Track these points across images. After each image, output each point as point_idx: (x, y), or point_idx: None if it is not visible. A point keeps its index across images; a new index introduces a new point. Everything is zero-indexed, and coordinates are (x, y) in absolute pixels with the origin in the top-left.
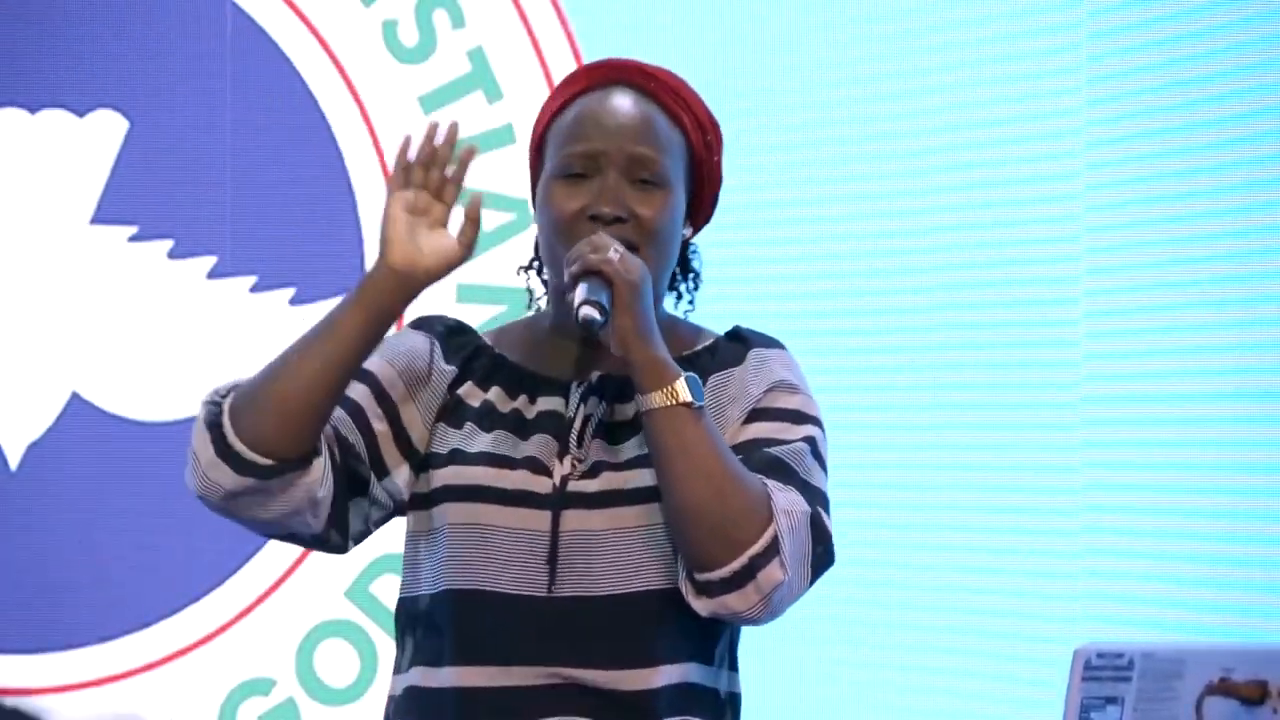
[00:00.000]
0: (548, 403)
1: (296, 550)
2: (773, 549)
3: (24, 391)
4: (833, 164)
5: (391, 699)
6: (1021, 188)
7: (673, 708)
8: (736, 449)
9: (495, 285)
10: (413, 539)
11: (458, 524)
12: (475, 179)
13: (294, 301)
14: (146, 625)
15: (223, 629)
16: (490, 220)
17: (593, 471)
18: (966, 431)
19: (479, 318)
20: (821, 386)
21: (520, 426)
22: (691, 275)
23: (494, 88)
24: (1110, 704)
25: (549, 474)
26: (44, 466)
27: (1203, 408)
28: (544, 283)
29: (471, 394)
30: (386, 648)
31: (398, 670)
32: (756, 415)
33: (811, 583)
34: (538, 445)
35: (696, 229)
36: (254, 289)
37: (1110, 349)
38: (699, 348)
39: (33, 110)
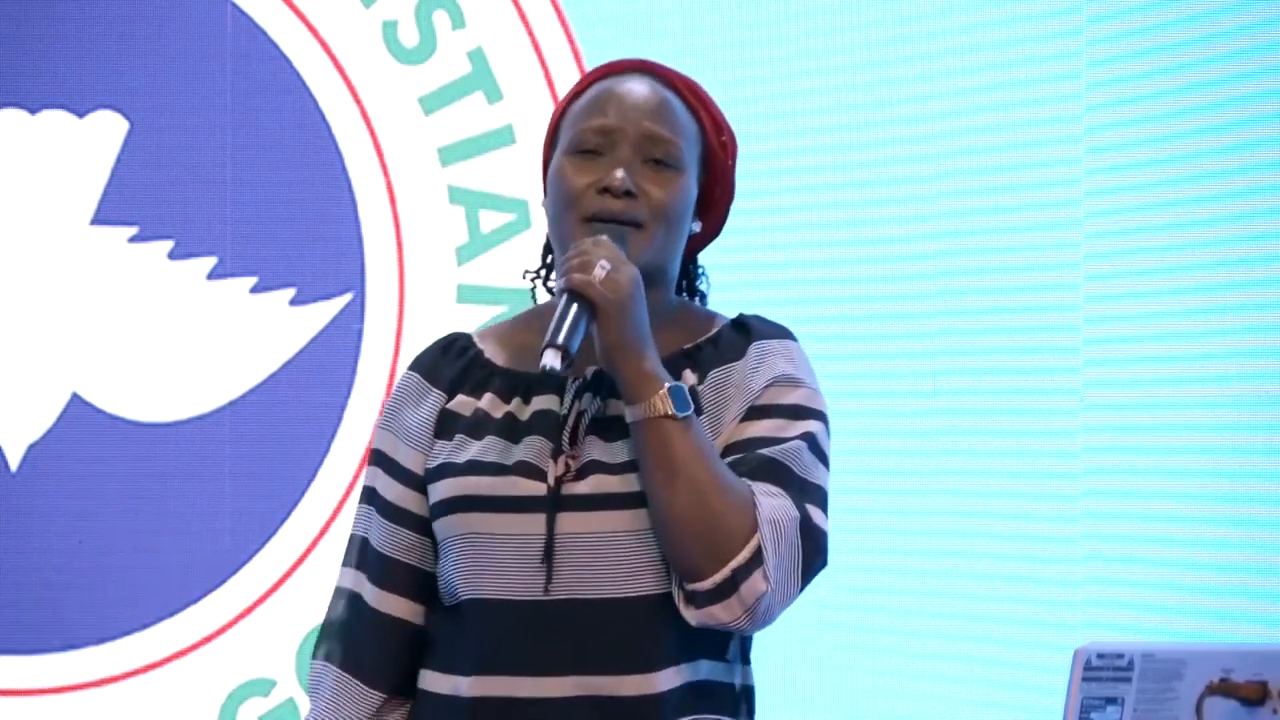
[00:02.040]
0: (542, 401)
1: (297, 551)
2: (755, 560)
3: (24, 392)
4: (833, 164)
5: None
6: (1022, 193)
7: (682, 708)
8: (734, 448)
9: (495, 286)
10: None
11: (454, 536)
12: (475, 179)
13: (294, 302)
14: (146, 626)
15: (223, 629)
16: (490, 220)
17: (586, 471)
18: (966, 434)
19: (479, 318)
20: (821, 388)
21: (513, 430)
22: (698, 296)
23: (494, 88)
24: (1110, 704)
25: (543, 477)
26: (44, 466)
27: (1203, 412)
28: (549, 290)
29: (463, 405)
30: None
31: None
32: (756, 413)
33: (803, 586)
34: (530, 447)
35: (706, 228)
36: (254, 289)
37: (1110, 354)
38: (702, 339)
39: (33, 110)
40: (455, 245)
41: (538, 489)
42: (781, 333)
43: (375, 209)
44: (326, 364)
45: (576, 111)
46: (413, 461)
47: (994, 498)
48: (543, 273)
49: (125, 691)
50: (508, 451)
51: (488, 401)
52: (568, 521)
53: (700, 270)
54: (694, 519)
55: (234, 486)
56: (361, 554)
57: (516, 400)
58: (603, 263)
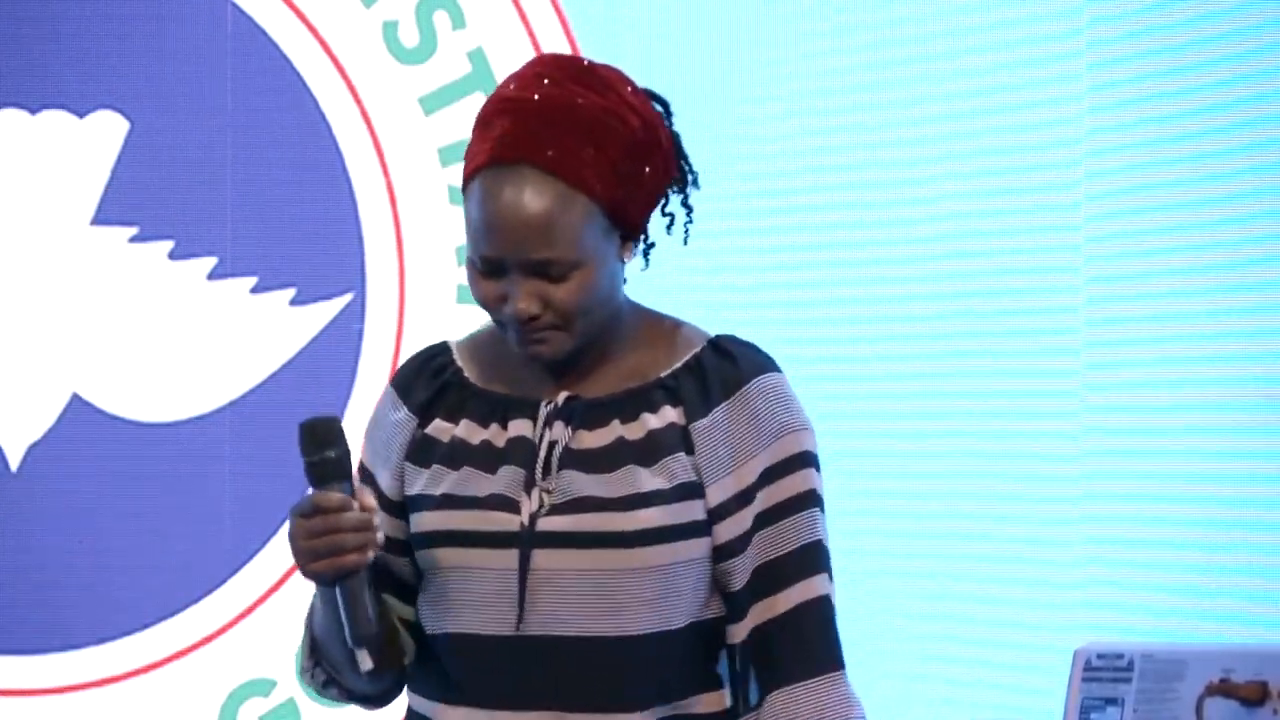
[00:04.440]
0: (518, 427)
1: None
2: None
3: (24, 392)
4: (833, 165)
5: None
6: (1023, 195)
7: None
8: (759, 573)
9: None
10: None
11: (431, 569)
12: None
13: (294, 302)
14: (147, 626)
15: (223, 630)
16: None
17: (564, 509)
18: (967, 436)
19: (479, 319)
20: (820, 390)
21: (489, 459)
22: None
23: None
24: (1110, 705)
25: (517, 510)
26: (44, 467)
27: (1203, 414)
28: None
29: (440, 430)
30: None
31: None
32: (766, 520)
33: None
34: (505, 479)
35: (636, 236)
36: (254, 290)
37: (1111, 357)
38: (678, 365)
39: (33, 111)
40: (455, 245)
41: (511, 523)
42: (767, 364)
43: (375, 209)
44: (326, 364)
45: (469, 219)
46: (386, 483)
47: (994, 499)
48: None
49: (125, 691)
50: (483, 483)
51: (464, 428)
52: (542, 558)
53: (670, 219)
54: None
55: (234, 486)
56: None
57: (494, 426)
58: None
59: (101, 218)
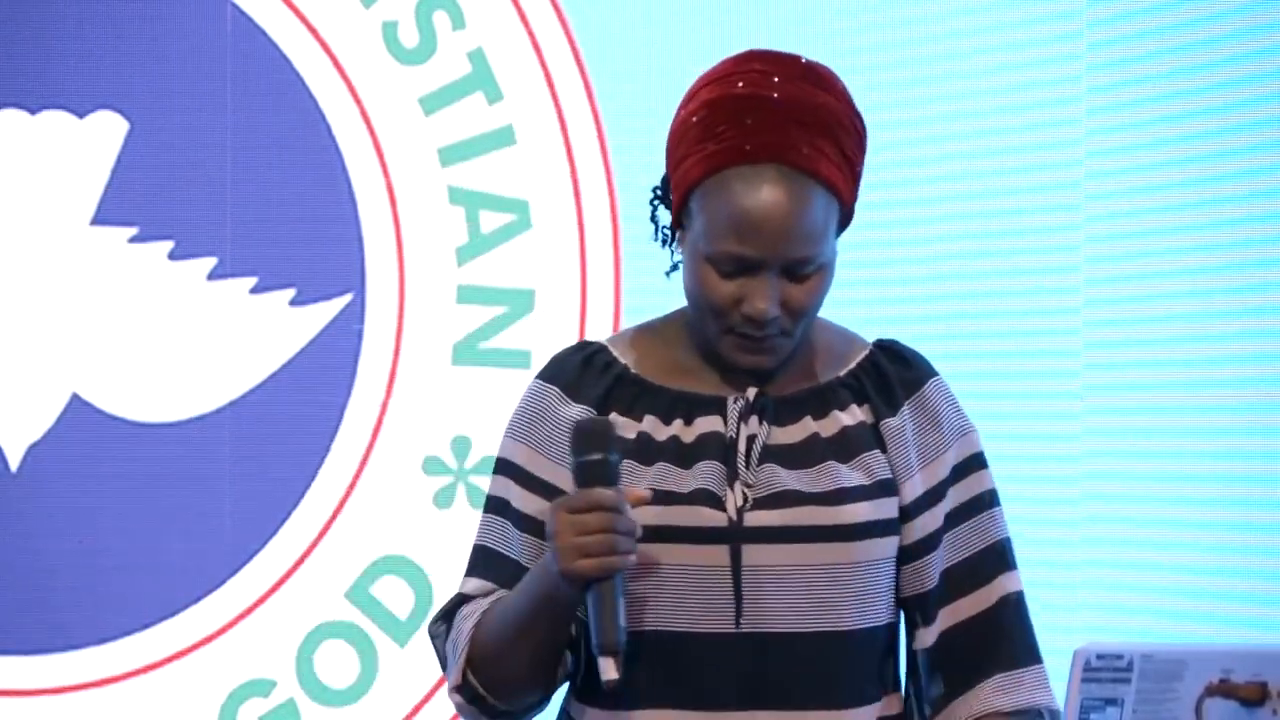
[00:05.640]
0: (706, 423)
1: (297, 551)
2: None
3: (24, 392)
4: None
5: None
6: (1023, 196)
7: None
8: (949, 575)
9: (495, 286)
10: None
11: (635, 567)
12: (475, 180)
13: (294, 302)
14: (146, 626)
15: (223, 630)
16: (490, 221)
17: (771, 503)
18: None
19: (479, 319)
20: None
21: (681, 455)
22: None
23: (494, 89)
24: (1110, 705)
25: (721, 506)
26: (44, 467)
27: (1203, 415)
28: (664, 232)
29: (624, 426)
30: (387, 649)
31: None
32: (956, 519)
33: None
34: (704, 474)
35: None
36: (254, 290)
37: (1111, 358)
38: (852, 366)
39: (33, 111)
40: (455, 245)
41: (718, 519)
42: (933, 369)
43: (375, 209)
44: (326, 364)
45: (712, 216)
46: (555, 476)
47: None
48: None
49: (125, 691)
50: (682, 479)
51: (649, 424)
52: (754, 554)
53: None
54: None
55: (234, 486)
56: (489, 560)
57: (678, 421)
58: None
59: (101, 218)
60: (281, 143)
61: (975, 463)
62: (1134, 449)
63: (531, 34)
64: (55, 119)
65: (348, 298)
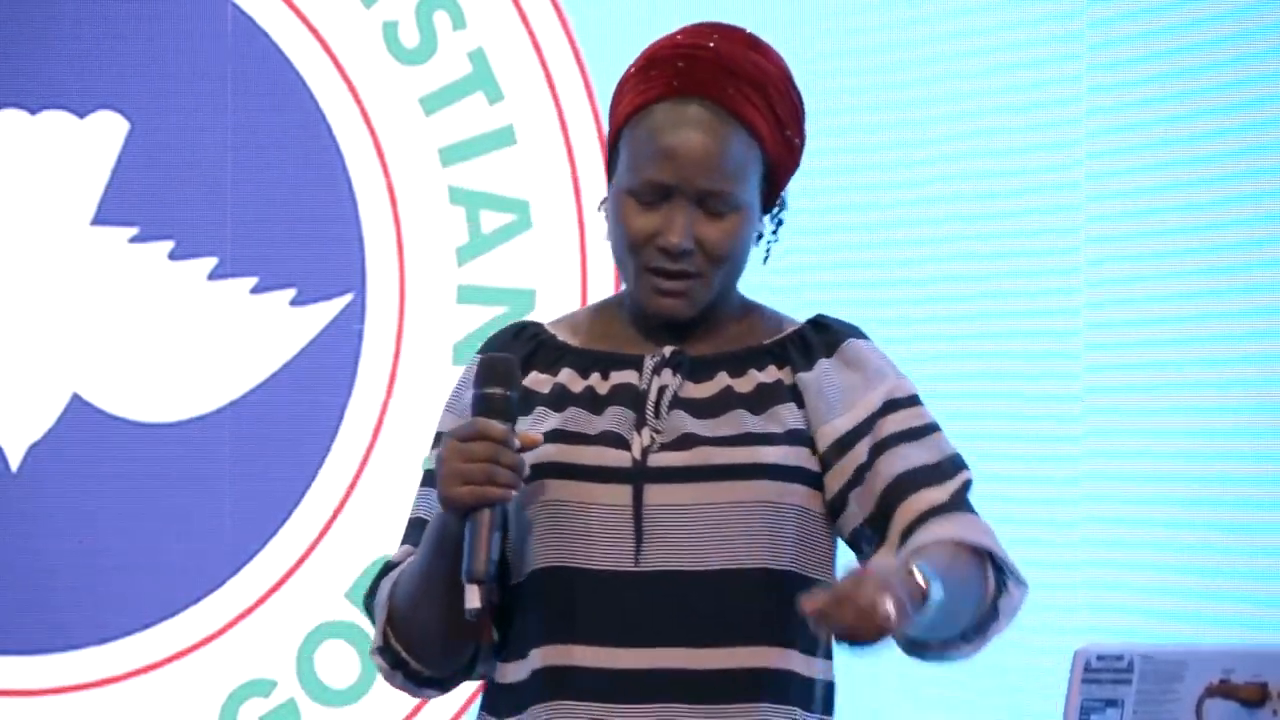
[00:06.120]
0: (621, 376)
1: (297, 551)
2: (1004, 598)
3: (24, 392)
4: (833, 166)
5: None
6: (1023, 197)
7: (756, 691)
8: (891, 488)
9: (496, 286)
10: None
11: (539, 503)
12: (476, 180)
13: (294, 302)
14: (147, 626)
15: (223, 630)
16: (491, 221)
17: (677, 445)
18: (967, 438)
19: (479, 319)
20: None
21: (594, 402)
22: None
23: (494, 89)
24: (1110, 706)
25: (627, 447)
26: (44, 467)
27: (1203, 416)
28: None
29: (539, 382)
30: None
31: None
32: (885, 447)
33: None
34: (613, 418)
35: (769, 209)
36: (254, 290)
37: (1111, 358)
38: (780, 336)
39: (33, 111)
40: (455, 245)
41: (623, 459)
42: (860, 331)
43: (375, 209)
44: (326, 364)
45: (635, 148)
46: None
47: (995, 499)
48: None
49: (125, 691)
50: (590, 422)
51: (565, 376)
52: (656, 493)
53: (782, 201)
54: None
55: (234, 486)
56: (416, 529)
57: (595, 375)
58: (887, 609)
59: (101, 218)
60: (282, 143)
61: (910, 401)
62: (1134, 449)
63: (532, 34)
64: (55, 119)
65: (348, 298)
